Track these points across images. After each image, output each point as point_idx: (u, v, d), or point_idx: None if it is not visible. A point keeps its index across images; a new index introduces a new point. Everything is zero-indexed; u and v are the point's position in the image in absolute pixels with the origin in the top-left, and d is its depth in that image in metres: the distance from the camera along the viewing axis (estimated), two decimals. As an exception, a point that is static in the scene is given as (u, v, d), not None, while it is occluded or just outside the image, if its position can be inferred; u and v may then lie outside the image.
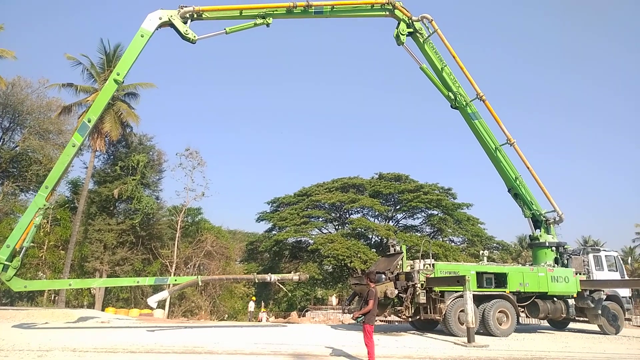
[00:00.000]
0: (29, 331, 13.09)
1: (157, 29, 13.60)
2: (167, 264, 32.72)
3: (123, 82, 14.85)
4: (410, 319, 14.91)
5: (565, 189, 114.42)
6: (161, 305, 29.07)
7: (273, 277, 15.00)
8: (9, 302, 31.44)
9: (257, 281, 15.41)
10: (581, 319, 16.26)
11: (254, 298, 34.16)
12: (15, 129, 33.16)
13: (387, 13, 16.64)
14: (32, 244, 15.46)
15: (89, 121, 13.16)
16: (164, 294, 14.07)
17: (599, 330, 16.15)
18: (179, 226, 33.65)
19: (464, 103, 17.39)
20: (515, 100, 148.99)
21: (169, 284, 15.02)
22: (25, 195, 34.21)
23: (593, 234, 65.94)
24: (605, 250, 17.85)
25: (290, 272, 36.93)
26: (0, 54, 27.71)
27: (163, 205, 37.87)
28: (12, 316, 17.56)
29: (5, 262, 11.89)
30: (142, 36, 13.37)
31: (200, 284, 15.63)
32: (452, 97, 17.48)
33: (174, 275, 31.83)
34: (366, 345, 7.81)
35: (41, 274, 31.08)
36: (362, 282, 14.09)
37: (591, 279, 16.49)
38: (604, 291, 15.89)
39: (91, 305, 30.57)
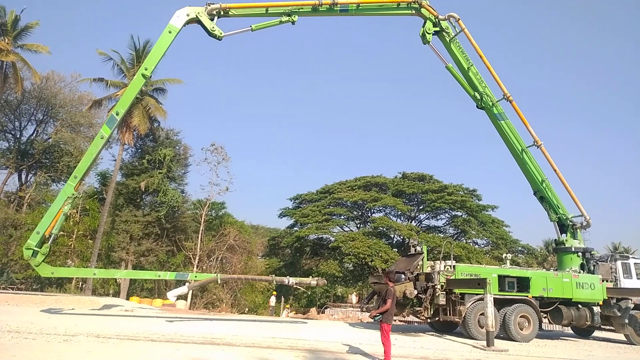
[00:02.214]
0: (56, 316, 13.59)
1: (184, 25, 13.90)
2: (191, 256, 33.33)
3: (151, 77, 15.25)
4: (429, 320, 14.83)
5: (596, 194, 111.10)
6: (183, 297, 29.65)
7: (291, 281, 14.88)
8: (39, 288, 32.56)
9: (275, 283, 15.40)
10: (607, 327, 15.87)
11: (274, 292, 34.41)
12: (48, 122, 34.45)
13: (413, 12, 16.51)
14: (61, 232, 16.00)
15: (117, 114, 13.55)
16: (183, 289, 14.33)
17: (625, 340, 15.64)
18: (202, 219, 34.26)
19: (490, 103, 17.11)
20: (542, 103, 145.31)
21: (190, 280, 15.27)
22: (56, 186, 35.53)
23: (624, 241, 63.66)
24: (634, 258, 17.29)
25: (310, 269, 37.26)
26: (36, 49, 28.83)
27: (188, 199, 38.75)
28: (42, 301, 18.23)
29: (35, 248, 12.38)
30: (169, 32, 13.70)
31: (219, 282, 15.83)
32: (478, 97, 17.24)
33: (197, 267, 32.53)
34: (383, 344, 7.83)
35: (70, 261, 32.00)
36: (381, 281, 14.03)
37: (619, 286, 16.05)
38: (631, 300, 15.38)
39: (116, 294, 31.44)
